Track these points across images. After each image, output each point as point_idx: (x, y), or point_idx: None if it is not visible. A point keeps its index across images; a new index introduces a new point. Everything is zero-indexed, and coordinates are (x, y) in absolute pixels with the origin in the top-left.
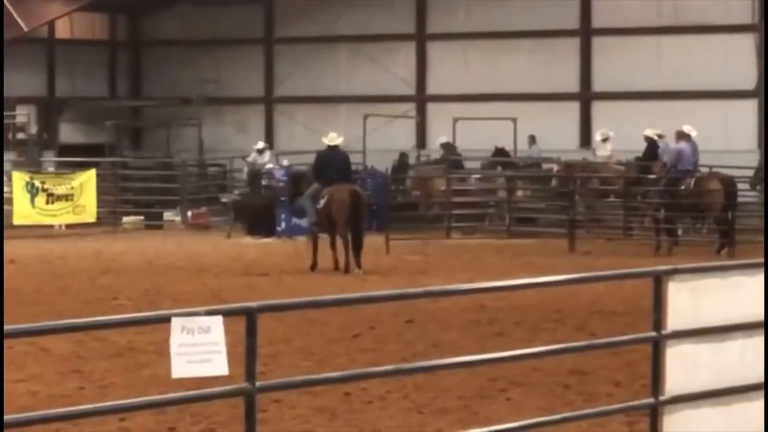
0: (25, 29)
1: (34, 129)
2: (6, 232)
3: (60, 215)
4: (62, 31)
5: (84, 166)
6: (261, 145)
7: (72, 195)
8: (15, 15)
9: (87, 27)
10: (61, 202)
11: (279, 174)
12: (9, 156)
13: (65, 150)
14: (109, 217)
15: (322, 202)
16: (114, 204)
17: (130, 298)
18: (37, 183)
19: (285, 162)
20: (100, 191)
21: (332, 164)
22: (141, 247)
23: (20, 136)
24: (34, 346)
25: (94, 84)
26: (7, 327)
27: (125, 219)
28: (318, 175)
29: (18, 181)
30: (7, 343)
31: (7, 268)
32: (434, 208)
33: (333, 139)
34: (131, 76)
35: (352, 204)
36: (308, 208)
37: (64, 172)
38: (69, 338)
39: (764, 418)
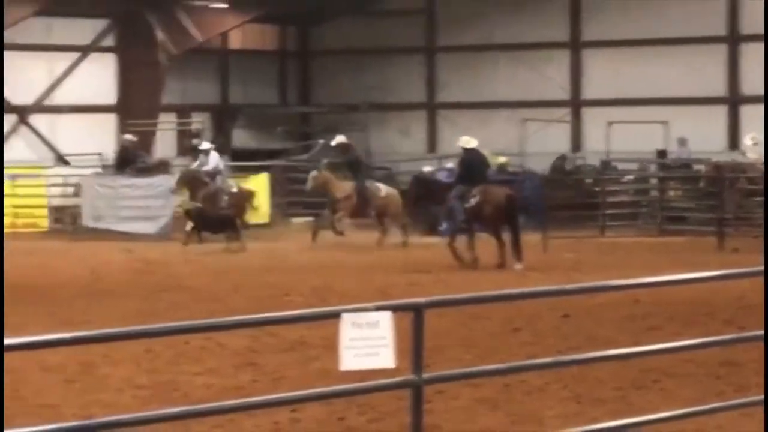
0: (200, 40)
1: (208, 135)
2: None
3: None
4: (235, 41)
5: (257, 170)
6: (206, 145)
7: None
8: (190, 26)
9: (258, 38)
10: None
11: (443, 176)
12: (185, 161)
13: (238, 155)
14: (280, 218)
15: (473, 201)
16: (285, 205)
17: (300, 295)
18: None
19: (450, 165)
20: (272, 193)
21: (475, 166)
22: (309, 246)
23: (196, 141)
24: (211, 341)
25: (265, 92)
26: (185, 323)
27: (295, 219)
28: (462, 177)
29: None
30: (184, 338)
31: (184, 267)
32: None
33: (468, 142)
34: (300, 85)
35: (507, 205)
36: (456, 208)
37: (238, 175)
38: (243, 333)
39: (764, 418)
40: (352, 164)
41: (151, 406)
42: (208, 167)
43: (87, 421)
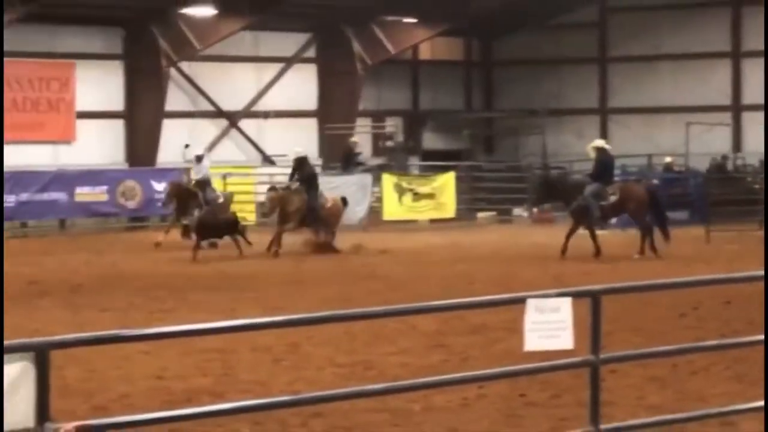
0: (393, 52)
1: (401, 137)
2: (377, 227)
3: (424, 211)
4: (425, 53)
5: (444, 169)
6: (200, 151)
7: (434, 194)
8: (384, 40)
9: (446, 50)
10: (425, 200)
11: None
12: (378, 160)
13: (428, 155)
14: (465, 213)
15: (612, 198)
16: (470, 201)
17: (484, 283)
18: (404, 184)
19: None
20: (458, 191)
21: (609, 166)
22: (493, 239)
23: (389, 143)
24: (404, 324)
25: (452, 98)
26: (380, 308)
27: (480, 214)
28: (599, 176)
29: (387, 182)
30: (380, 321)
31: (379, 257)
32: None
33: (601, 144)
34: (484, 92)
35: (650, 199)
36: (593, 205)
37: (427, 174)
38: (433, 317)
39: (764, 415)
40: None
41: (350, 383)
42: (200, 175)
43: (294, 396)
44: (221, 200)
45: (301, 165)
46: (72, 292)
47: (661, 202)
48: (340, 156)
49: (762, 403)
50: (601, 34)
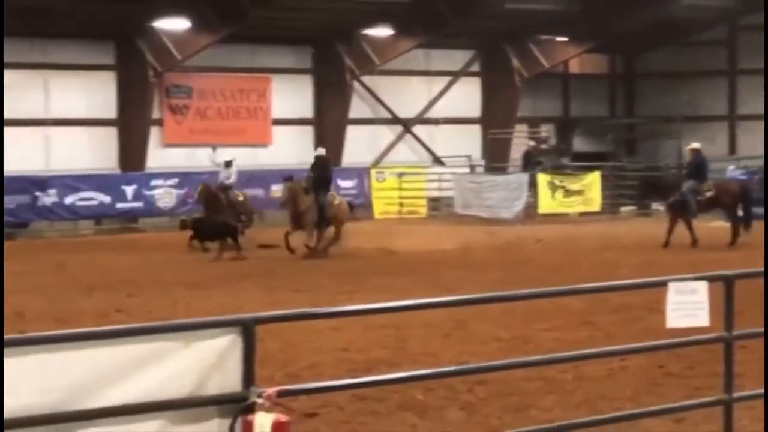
0: (546, 66)
1: (554, 141)
2: (532, 219)
3: (574, 206)
4: (574, 67)
5: (591, 169)
6: (228, 157)
7: (582, 190)
8: (539, 56)
9: (593, 64)
10: (575, 196)
11: (737, 173)
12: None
13: (577, 156)
14: (610, 207)
15: (707, 194)
16: (613, 197)
17: (627, 268)
18: (557, 182)
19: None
20: (603, 187)
21: (702, 166)
22: (634, 230)
23: (543, 146)
24: (556, 304)
25: (597, 107)
26: (536, 290)
27: (622, 208)
28: (694, 174)
29: (542, 180)
30: (535, 302)
31: (535, 246)
32: None
33: (695, 146)
34: (626, 101)
35: (742, 195)
36: (690, 200)
37: (577, 173)
38: (582, 298)
39: (764, 418)
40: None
41: (510, 355)
42: (231, 180)
43: (461, 366)
44: (240, 198)
45: (318, 164)
46: (267, 276)
47: (750, 198)
48: (521, 157)
49: None
50: (731, 50)
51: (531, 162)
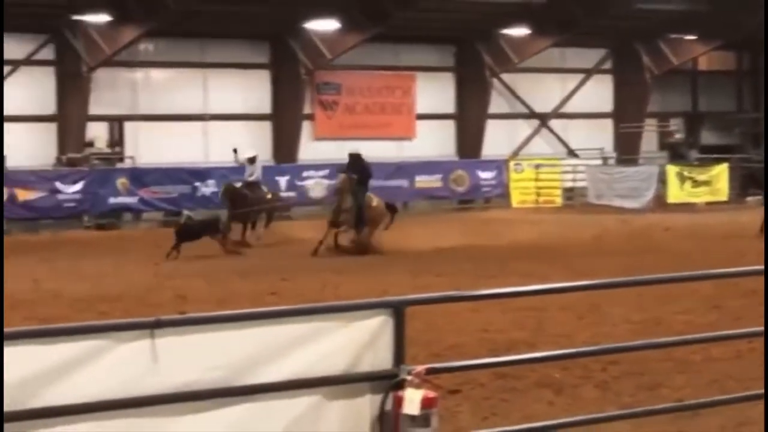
0: (675, 63)
1: (682, 135)
2: (661, 209)
3: (701, 195)
4: (702, 64)
5: (718, 161)
6: (251, 153)
7: (710, 181)
8: (668, 53)
9: (720, 61)
10: (702, 186)
11: None
12: (663, 154)
13: (705, 149)
14: (735, 197)
15: None
16: (739, 187)
17: (754, 254)
18: (686, 173)
19: None
20: (730, 178)
21: None
22: (760, 219)
23: (671, 140)
24: (685, 289)
25: (725, 102)
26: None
27: (748, 198)
28: None
29: (671, 171)
30: (665, 286)
31: (664, 234)
32: None
33: None
34: (753, 96)
35: None
36: None
37: (704, 165)
38: (711, 283)
39: (764, 418)
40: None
41: (641, 337)
42: (255, 176)
43: (595, 347)
44: (269, 195)
45: (355, 162)
46: (414, 261)
47: None
48: (668, 147)
49: None
50: None
51: (678, 153)
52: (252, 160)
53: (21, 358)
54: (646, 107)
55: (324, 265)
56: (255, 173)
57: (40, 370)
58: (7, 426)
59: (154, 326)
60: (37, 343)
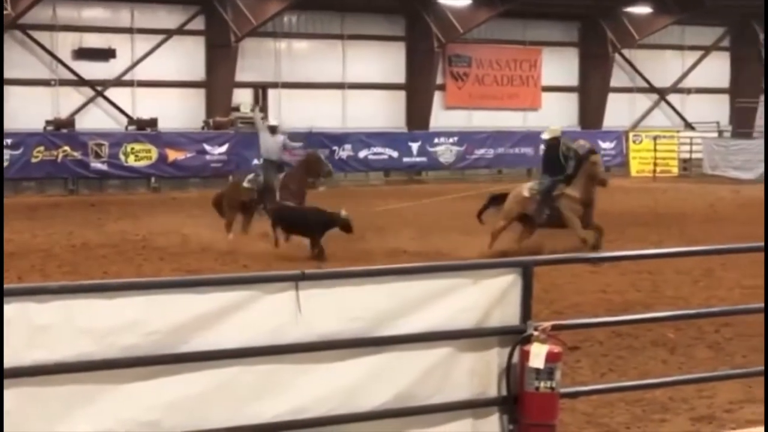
0: None
1: None
2: None
3: None
4: None
5: None
6: (274, 122)
7: None
8: None
9: None
10: None
11: None
12: None
13: None
14: None
15: None
16: None
17: None
18: None
19: None
20: None
21: None
22: None
23: None
24: None
25: None
26: None
27: None
28: None
29: None
30: None
31: None
32: None
33: None
34: None
35: None
36: None
37: None
38: None
39: (764, 415)
40: None
41: (754, 300)
42: (271, 153)
43: (709, 309)
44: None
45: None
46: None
47: None
48: None
49: None
50: None
51: None
52: (273, 130)
53: (174, 306)
54: (762, 83)
55: (455, 225)
56: (271, 148)
57: (191, 318)
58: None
59: (300, 279)
60: (190, 292)
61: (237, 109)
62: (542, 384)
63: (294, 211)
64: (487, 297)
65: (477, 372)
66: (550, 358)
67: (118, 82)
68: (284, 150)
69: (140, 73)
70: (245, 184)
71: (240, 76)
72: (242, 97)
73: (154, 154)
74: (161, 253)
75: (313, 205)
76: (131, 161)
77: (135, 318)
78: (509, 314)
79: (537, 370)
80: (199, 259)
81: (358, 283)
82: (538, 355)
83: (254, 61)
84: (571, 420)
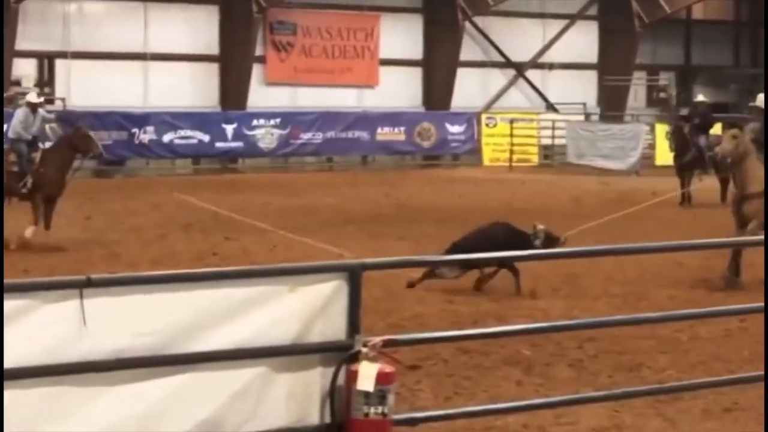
0: (668, 11)
1: (673, 90)
2: (649, 171)
3: None
4: (698, 13)
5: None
6: (35, 98)
7: None
8: (661, 0)
9: (717, 10)
10: None
11: None
12: (652, 111)
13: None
14: None
15: None
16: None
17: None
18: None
19: None
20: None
21: None
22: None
23: (662, 95)
24: (671, 261)
25: (721, 55)
26: (653, 244)
27: None
28: None
29: (660, 131)
30: (648, 257)
31: (649, 199)
32: None
33: None
34: (752, 49)
35: None
36: None
37: None
38: (700, 255)
39: (764, 416)
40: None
41: (622, 312)
42: (33, 130)
43: (570, 321)
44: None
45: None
46: (372, 222)
47: None
48: (657, 103)
49: None
50: None
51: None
52: (33, 108)
53: None
54: (635, 59)
55: (276, 222)
56: (34, 126)
57: None
58: None
59: (85, 285)
60: None
61: (18, 83)
62: (372, 410)
63: None
64: (307, 307)
65: (295, 395)
66: (382, 379)
67: None
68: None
69: None
70: None
71: (21, 44)
72: (24, 69)
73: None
74: None
75: None
76: None
77: None
78: (333, 327)
79: (366, 394)
80: None
81: (153, 291)
82: (367, 376)
83: (37, 26)
84: None
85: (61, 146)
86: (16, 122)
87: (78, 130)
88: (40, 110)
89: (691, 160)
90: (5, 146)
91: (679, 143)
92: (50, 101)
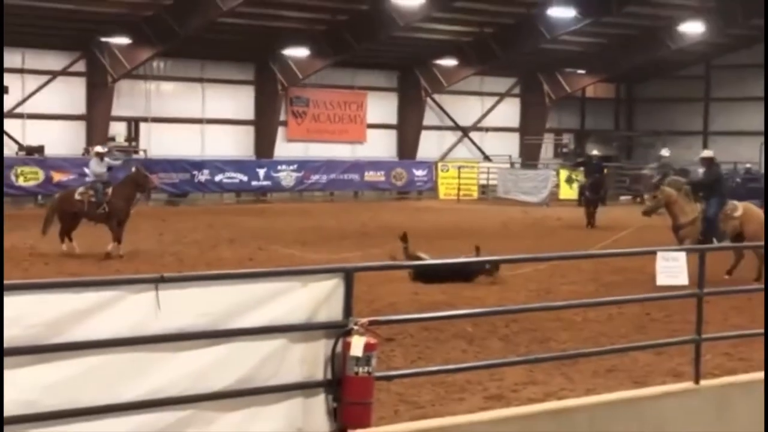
0: (569, 91)
1: (572, 146)
2: (555, 203)
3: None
4: (589, 92)
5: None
6: (100, 149)
7: None
8: (563, 83)
9: (603, 90)
10: None
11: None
12: (557, 161)
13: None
14: (612, 197)
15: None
16: (616, 189)
17: (626, 240)
18: (573, 176)
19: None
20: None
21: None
22: (630, 214)
23: (565, 150)
24: (571, 265)
25: (606, 122)
26: (557, 254)
27: (622, 197)
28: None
29: (563, 175)
30: (557, 263)
31: (557, 223)
32: None
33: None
34: (627, 118)
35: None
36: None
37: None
38: (591, 261)
39: (764, 417)
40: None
41: (536, 301)
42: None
43: (500, 308)
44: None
45: (708, 166)
46: (361, 237)
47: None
48: (582, 162)
49: None
50: (706, 83)
51: (593, 168)
52: (101, 156)
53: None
54: (545, 124)
55: (293, 238)
56: (100, 172)
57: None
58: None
59: (159, 281)
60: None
61: (113, 139)
62: (361, 369)
63: None
64: (315, 297)
65: (307, 359)
66: (368, 347)
67: (10, 114)
68: (110, 170)
69: (30, 107)
70: (76, 196)
71: (116, 111)
72: (117, 129)
73: (41, 175)
74: (46, 258)
75: None
76: (21, 182)
77: (18, 313)
78: (334, 312)
79: (357, 358)
80: (81, 264)
81: (208, 285)
82: (357, 345)
83: (128, 99)
84: (386, 399)
85: (126, 183)
86: (91, 167)
87: (138, 171)
88: (106, 158)
89: (601, 197)
90: (86, 186)
91: (592, 180)
92: (135, 152)
